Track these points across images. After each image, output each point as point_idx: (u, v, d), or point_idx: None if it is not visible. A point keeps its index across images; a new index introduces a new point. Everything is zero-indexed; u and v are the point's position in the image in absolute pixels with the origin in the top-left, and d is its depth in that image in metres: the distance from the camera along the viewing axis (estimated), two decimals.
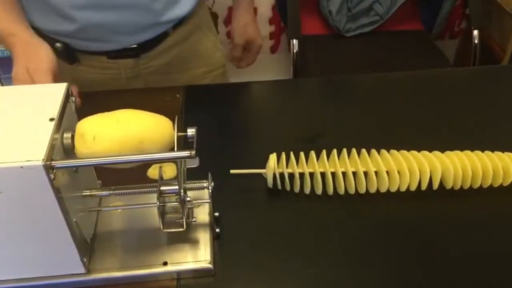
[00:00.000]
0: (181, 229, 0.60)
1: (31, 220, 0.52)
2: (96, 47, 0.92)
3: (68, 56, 0.93)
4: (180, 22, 0.97)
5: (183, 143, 0.58)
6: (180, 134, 0.57)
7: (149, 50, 0.97)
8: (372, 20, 1.77)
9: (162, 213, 0.60)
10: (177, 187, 0.58)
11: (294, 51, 1.61)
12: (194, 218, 0.62)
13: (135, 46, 0.94)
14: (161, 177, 0.60)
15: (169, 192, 0.58)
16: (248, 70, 1.19)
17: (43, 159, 0.47)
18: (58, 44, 0.90)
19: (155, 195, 0.58)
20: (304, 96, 0.99)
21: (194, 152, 0.53)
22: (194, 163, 0.59)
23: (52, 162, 0.48)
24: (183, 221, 0.59)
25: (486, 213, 0.71)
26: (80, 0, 0.83)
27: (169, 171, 0.71)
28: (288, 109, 0.94)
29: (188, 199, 0.60)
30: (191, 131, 0.57)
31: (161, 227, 0.59)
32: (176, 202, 0.60)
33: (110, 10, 0.86)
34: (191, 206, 0.62)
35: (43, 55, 0.79)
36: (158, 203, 0.57)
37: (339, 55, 1.73)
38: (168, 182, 0.58)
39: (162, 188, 0.58)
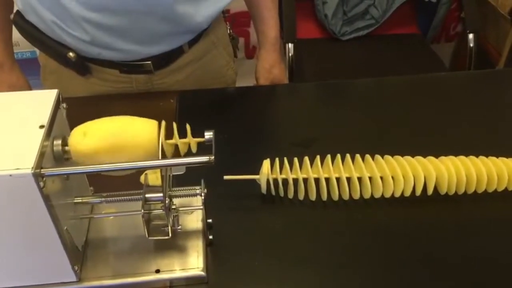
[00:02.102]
0: (166, 237, 0.59)
1: (21, 228, 0.52)
2: (108, 55, 0.90)
3: (80, 67, 0.92)
4: (196, 39, 0.96)
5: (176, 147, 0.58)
6: (197, 139, 0.56)
7: (163, 67, 0.95)
8: (368, 24, 1.77)
9: (147, 220, 0.60)
10: (161, 194, 0.57)
11: (290, 55, 1.60)
12: (180, 226, 0.62)
13: (149, 62, 0.92)
14: (147, 184, 0.59)
15: (154, 199, 0.57)
16: (243, 74, 1.18)
17: (32, 167, 0.47)
18: (71, 54, 0.89)
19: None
20: (299, 100, 0.99)
21: (213, 157, 0.52)
22: (181, 170, 0.58)
23: (42, 170, 0.48)
24: (168, 229, 0.59)
25: (481, 219, 0.70)
26: (93, 2, 0.81)
27: (157, 178, 0.71)
28: (282, 114, 0.94)
29: (173, 206, 0.60)
30: (208, 135, 0.55)
31: (146, 234, 0.58)
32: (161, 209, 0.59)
33: (123, 14, 0.83)
34: (176, 214, 0.61)
35: None
36: (142, 211, 0.56)
37: (335, 58, 1.73)
38: (154, 189, 0.58)
39: (147, 195, 0.57)
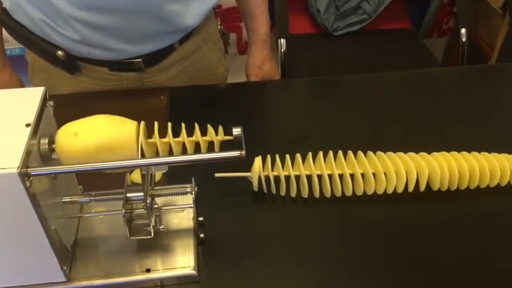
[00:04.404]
0: (148, 237, 0.58)
1: (8, 228, 0.51)
2: (98, 54, 0.88)
3: (69, 65, 0.91)
4: (187, 37, 0.95)
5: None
6: (221, 138, 0.56)
7: (154, 65, 0.94)
8: (360, 19, 1.77)
9: (129, 220, 0.59)
10: (142, 193, 0.56)
11: (282, 50, 1.59)
12: (162, 225, 0.61)
13: (139, 60, 0.91)
14: (129, 184, 0.58)
15: (134, 199, 0.56)
16: (235, 70, 1.17)
17: (18, 167, 0.46)
18: (59, 52, 0.87)
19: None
20: (291, 97, 0.98)
21: (244, 152, 0.51)
22: (163, 169, 0.58)
23: (28, 169, 0.47)
24: (150, 229, 0.58)
25: (474, 215, 0.70)
26: (83, 1, 0.80)
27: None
28: (274, 111, 0.93)
29: (155, 205, 0.59)
30: (236, 131, 0.54)
31: (128, 234, 0.57)
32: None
33: (113, 13, 0.82)
34: (159, 213, 0.60)
35: None
36: (123, 210, 0.55)
37: (327, 54, 1.72)
38: (135, 189, 0.57)
39: (128, 195, 0.56)
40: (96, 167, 0.51)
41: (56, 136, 0.52)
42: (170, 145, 0.57)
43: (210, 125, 0.58)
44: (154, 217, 0.59)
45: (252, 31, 1.06)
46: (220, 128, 0.57)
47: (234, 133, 0.54)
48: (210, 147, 0.58)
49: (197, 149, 0.58)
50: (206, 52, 1.01)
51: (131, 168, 0.55)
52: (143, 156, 0.53)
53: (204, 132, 0.58)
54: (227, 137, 0.56)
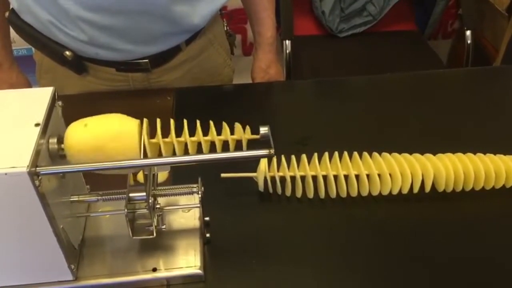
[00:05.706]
0: (151, 236, 0.59)
1: (16, 227, 0.52)
2: (105, 55, 0.89)
3: (76, 66, 0.91)
4: (193, 37, 0.95)
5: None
6: (249, 136, 0.57)
7: (160, 65, 0.95)
8: (365, 21, 1.77)
9: (132, 219, 0.59)
10: (145, 193, 0.56)
11: (287, 52, 1.60)
12: (164, 225, 0.62)
13: (146, 60, 0.92)
14: (132, 183, 0.58)
15: (137, 199, 0.57)
16: (240, 71, 1.18)
17: (27, 166, 0.46)
18: (67, 53, 0.88)
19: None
20: (296, 98, 0.98)
21: (273, 150, 0.51)
22: (165, 169, 0.58)
23: (37, 168, 0.47)
24: (152, 228, 0.58)
25: (479, 216, 0.70)
26: (90, 2, 0.80)
27: (160, 175, 0.70)
28: (280, 111, 0.93)
29: (158, 205, 0.59)
30: (264, 130, 0.55)
31: (130, 234, 0.58)
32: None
33: (120, 14, 0.83)
34: (161, 213, 0.61)
35: None
36: (126, 210, 0.56)
37: (332, 55, 1.73)
38: (138, 189, 0.57)
39: (130, 194, 0.57)
40: (102, 167, 0.51)
41: (65, 132, 0.52)
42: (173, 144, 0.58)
43: (215, 125, 0.59)
44: (156, 217, 0.59)
45: (258, 34, 1.06)
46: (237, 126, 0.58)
47: (261, 132, 0.55)
48: (212, 148, 0.59)
49: (198, 148, 0.59)
50: (212, 53, 1.01)
51: (138, 168, 0.56)
52: (145, 156, 0.54)
53: (207, 132, 0.59)
54: (253, 136, 0.57)
